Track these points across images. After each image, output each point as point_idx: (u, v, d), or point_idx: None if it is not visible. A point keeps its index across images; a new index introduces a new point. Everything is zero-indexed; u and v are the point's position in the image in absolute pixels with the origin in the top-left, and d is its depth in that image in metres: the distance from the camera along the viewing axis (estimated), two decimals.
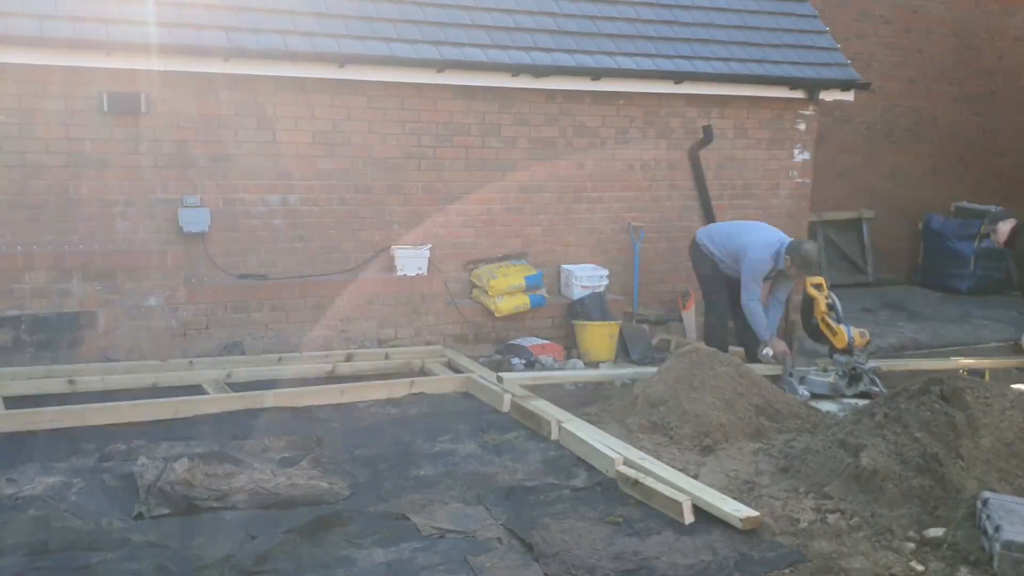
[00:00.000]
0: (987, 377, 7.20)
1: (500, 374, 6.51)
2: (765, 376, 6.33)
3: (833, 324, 6.97)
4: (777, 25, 9.17)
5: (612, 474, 4.75)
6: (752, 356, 7.24)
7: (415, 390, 6.35)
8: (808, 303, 7.21)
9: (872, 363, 6.96)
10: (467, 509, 4.34)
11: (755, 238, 7.31)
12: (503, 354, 7.44)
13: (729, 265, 7.41)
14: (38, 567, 3.64)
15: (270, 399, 5.79)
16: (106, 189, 6.82)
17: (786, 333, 8.51)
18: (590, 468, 4.92)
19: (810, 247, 7.18)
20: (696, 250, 7.72)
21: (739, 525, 4.08)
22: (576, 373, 7.11)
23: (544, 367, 7.22)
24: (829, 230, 12.30)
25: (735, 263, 7.31)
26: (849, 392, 6.65)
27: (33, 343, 6.49)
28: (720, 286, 7.56)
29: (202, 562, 3.69)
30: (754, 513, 4.16)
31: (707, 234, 7.70)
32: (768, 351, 7.05)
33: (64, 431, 5.16)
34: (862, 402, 6.20)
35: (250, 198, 7.25)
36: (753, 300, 7.13)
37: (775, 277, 7.31)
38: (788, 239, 7.25)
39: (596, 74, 7.91)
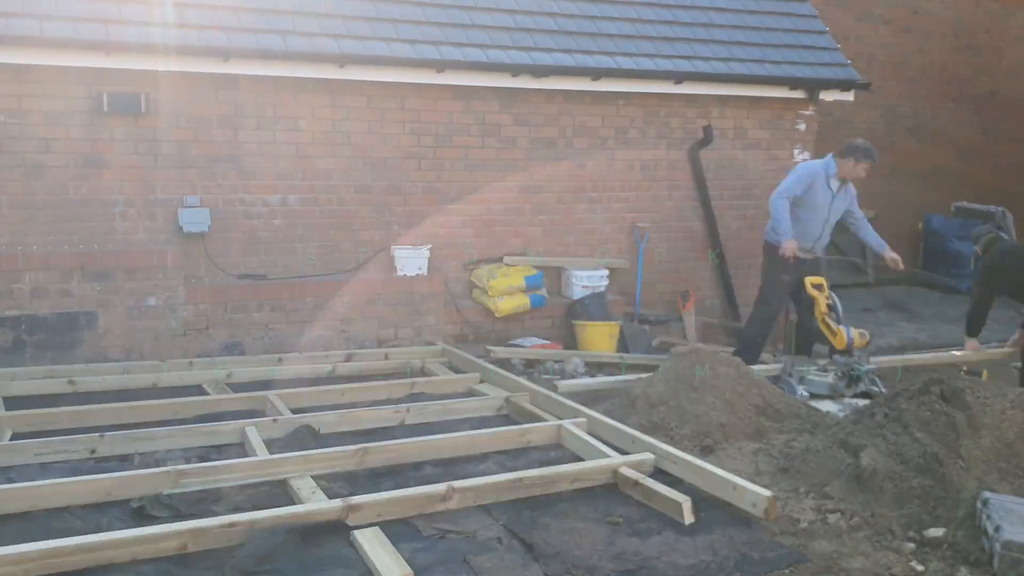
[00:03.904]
0: (985, 376, 7.20)
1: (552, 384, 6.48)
2: (766, 377, 6.33)
3: (833, 325, 6.97)
4: (777, 25, 9.18)
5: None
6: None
7: (416, 391, 6.34)
8: (808, 303, 7.21)
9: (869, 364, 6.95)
10: (467, 510, 4.33)
11: None
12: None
13: (798, 236, 7.27)
14: None
15: (270, 400, 5.78)
16: (106, 189, 6.82)
17: (786, 333, 8.50)
18: None
19: (860, 140, 7.28)
20: (767, 247, 7.59)
21: (765, 504, 4.10)
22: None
23: (545, 368, 7.22)
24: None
25: (798, 224, 7.28)
26: (848, 392, 6.64)
27: (33, 343, 6.49)
28: (779, 286, 7.46)
29: (202, 562, 3.68)
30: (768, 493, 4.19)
31: (769, 226, 7.63)
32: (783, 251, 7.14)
33: (63, 431, 5.15)
34: (862, 402, 6.19)
35: (250, 198, 7.26)
36: (778, 197, 7.21)
37: (843, 203, 7.37)
38: None
39: (596, 74, 7.91)
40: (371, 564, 3.65)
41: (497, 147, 8.02)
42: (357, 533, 3.88)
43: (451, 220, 7.92)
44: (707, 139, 8.64)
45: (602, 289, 8.14)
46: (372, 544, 3.77)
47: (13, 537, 3.70)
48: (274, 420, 5.34)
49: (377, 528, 3.94)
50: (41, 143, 6.61)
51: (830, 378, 6.71)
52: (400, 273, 7.61)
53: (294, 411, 5.60)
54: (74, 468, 4.65)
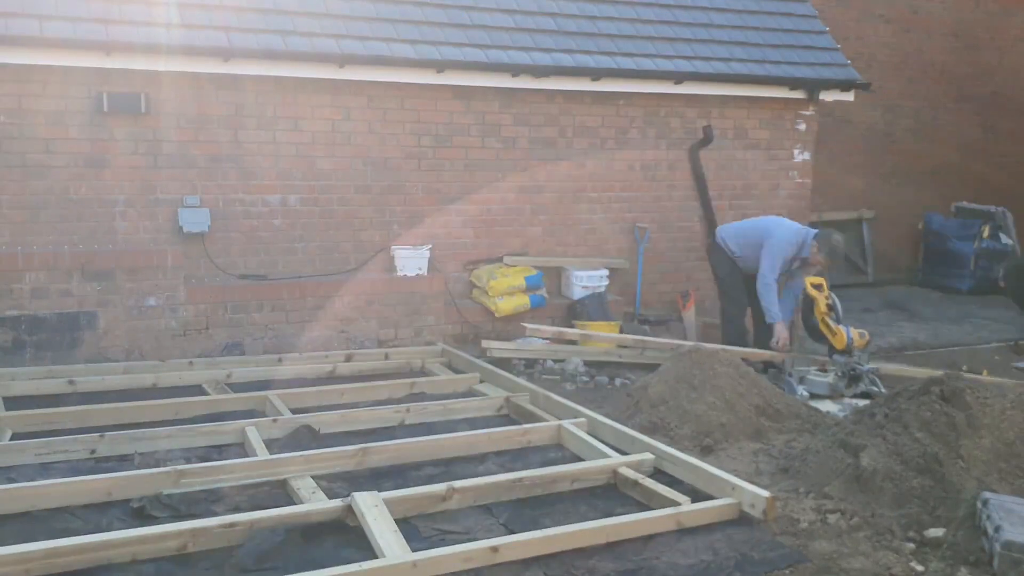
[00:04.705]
0: (985, 375, 7.20)
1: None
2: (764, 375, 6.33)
3: (833, 325, 6.97)
4: (777, 25, 9.18)
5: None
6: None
7: (415, 391, 6.34)
8: (808, 303, 7.21)
9: (870, 364, 6.96)
10: (468, 509, 4.33)
11: (779, 224, 7.40)
12: None
13: (748, 260, 7.33)
14: None
15: (270, 400, 5.78)
16: (106, 189, 6.82)
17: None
18: None
19: (839, 237, 7.26)
20: (715, 248, 7.63)
21: (764, 504, 4.10)
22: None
23: (545, 368, 7.22)
24: (829, 230, 12.30)
25: (755, 253, 7.23)
26: (848, 392, 6.65)
27: (33, 343, 6.49)
28: (739, 285, 7.45)
29: (202, 562, 3.69)
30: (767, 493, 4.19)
31: (726, 230, 7.63)
32: (775, 340, 7.02)
33: (63, 431, 5.16)
34: (862, 402, 6.19)
35: (250, 198, 7.26)
36: (771, 277, 7.08)
37: (792, 270, 7.30)
38: (813, 229, 7.32)
39: (596, 74, 7.91)
40: (375, 542, 3.69)
41: (497, 147, 8.02)
42: (365, 510, 3.89)
43: (451, 220, 7.92)
44: (707, 139, 8.63)
45: (602, 289, 8.14)
46: (379, 524, 3.82)
47: (14, 537, 3.70)
48: (274, 420, 5.34)
49: (384, 507, 3.96)
50: (41, 143, 6.61)
51: (830, 378, 6.71)
52: (400, 273, 7.61)
53: (294, 411, 5.60)
54: (74, 468, 4.66)
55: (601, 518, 4.14)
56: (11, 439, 4.98)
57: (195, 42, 6.62)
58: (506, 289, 7.72)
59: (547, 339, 7.35)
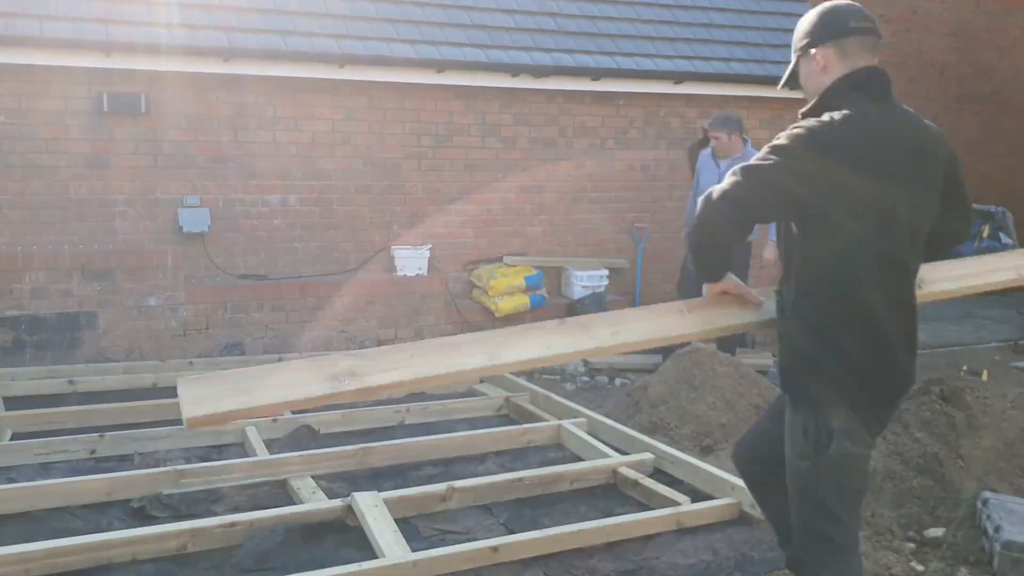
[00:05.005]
0: (985, 376, 7.20)
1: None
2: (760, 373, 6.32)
3: None
4: (777, 25, 9.18)
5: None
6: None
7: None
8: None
9: None
10: (467, 509, 4.33)
11: None
12: None
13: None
14: None
15: None
16: (106, 189, 6.82)
17: None
18: None
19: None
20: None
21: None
22: None
23: (544, 368, 7.22)
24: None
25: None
26: None
27: (33, 343, 6.49)
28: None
29: (202, 562, 3.68)
30: None
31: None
32: None
33: (63, 431, 5.16)
34: None
35: (250, 198, 7.26)
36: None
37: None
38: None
39: (596, 74, 7.91)
40: (375, 543, 3.68)
41: (497, 147, 8.02)
42: (365, 510, 3.88)
43: (451, 220, 7.92)
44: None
45: (602, 289, 8.14)
46: (379, 524, 3.81)
47: (14, 537, 3.70)
48: (274, 420, 5.33)
49: (384, 507, 3.95)
50: (42, 143, 6.62)
51: None
52: (400, 273, 7.61)
53: (294, 411, 5.59)
54: (74, 468, 4.65)
55: (601, 518, 4.12)
56: (11, 439, 4.98)
57: (195, 42, 6.63)
58: (506, 289, 7.72)
59: None
